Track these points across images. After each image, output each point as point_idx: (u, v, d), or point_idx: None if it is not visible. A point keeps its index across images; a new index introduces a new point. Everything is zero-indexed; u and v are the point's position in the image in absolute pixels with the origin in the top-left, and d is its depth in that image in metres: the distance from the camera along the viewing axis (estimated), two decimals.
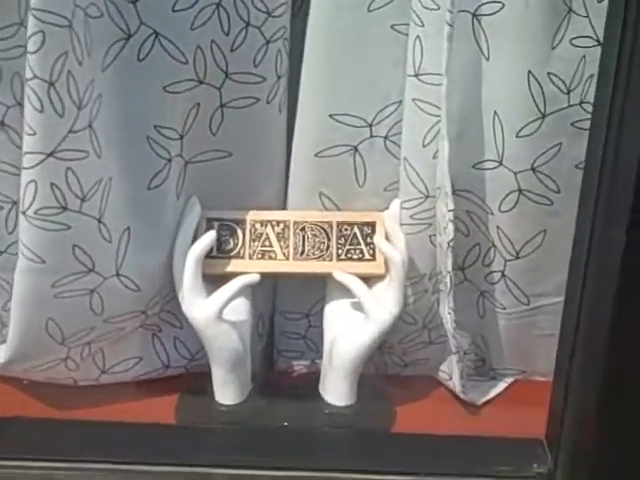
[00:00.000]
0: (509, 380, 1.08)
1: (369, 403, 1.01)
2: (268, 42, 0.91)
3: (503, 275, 0.99)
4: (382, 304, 0.95)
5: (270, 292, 1.05)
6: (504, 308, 1.01)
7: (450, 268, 0.93)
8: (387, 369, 1.08)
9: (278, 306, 1.06)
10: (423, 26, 0.87)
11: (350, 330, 0.96)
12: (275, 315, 1.07)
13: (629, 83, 0.70)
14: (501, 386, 1.07)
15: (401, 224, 0.98)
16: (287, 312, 1.06)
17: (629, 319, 0.74)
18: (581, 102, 0.88)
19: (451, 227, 0.91)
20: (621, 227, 0.70)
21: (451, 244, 0.92)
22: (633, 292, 0.73)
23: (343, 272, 0.97)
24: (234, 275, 0.96)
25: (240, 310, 0.97)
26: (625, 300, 0.73)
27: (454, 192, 0.94)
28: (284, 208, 1.00)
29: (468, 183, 0.95)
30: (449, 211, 0.91)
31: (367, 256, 0.97)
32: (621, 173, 0.71)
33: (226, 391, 0.98)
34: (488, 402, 1.05)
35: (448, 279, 0.94)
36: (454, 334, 0.96)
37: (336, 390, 0.99)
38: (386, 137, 0.96)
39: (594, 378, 0.77)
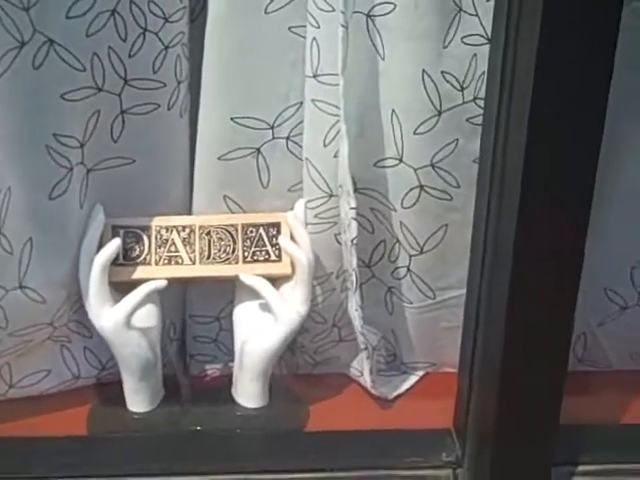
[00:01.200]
0: (420, 373, 1.09)
1: (281, 403, 1.02)
2: (167, 48, 0.90)
3: (409, 270, 1.01)
4: (290, 304, 0.96)
5: (180, 297, 1.05)
6: (411, 303, 1.03)
7: (355, 266, 0.94)
8: (299, 369, 1.09)
9: (189, 310, 1.06)
10: (319, 27, 0.88)
11: (259, 332, 0.97)
12: (186, 319, 1.07)
13: (514, 80, 0.72)
14: (412, 379, 1.09)
15: (306, 224, 0.99)
16: (198, 316, 1.06)
17: (523, 309, 0.76)
18: (475, 98, 0.90)
19: (354, 225, 0.92)
20: (512, 220, 0.72)
21: (354, 242, 0.93)
22: (525, 282, 0.75)
23: (249, 274, 0.97)
24: (141, 282, 0.96)
25: (149, 316, 0.96)
26: (518, 291, 0.75)
27: (357, 190, 0.96)
28: (190, 213, 1.00)
29: (370, 181, 0.96)
30: (351, 209, 0.92)
31: (273, 257, 0.98)
32: (510, 167, 0.73)
33: (137, 399, 0.98)
34: (400, 396, 1.07)
35: (354, 277, 0.95)
36: (362, 331, 0.98)
37: (248, 392, 0.99)
38: (288, 138, 0.96)
39: (494, 367, 0.79)
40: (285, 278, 0.99)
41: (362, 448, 0.95)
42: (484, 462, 0.86)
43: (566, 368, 0.80)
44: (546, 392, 0.79)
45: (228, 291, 1.02)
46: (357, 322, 0.98)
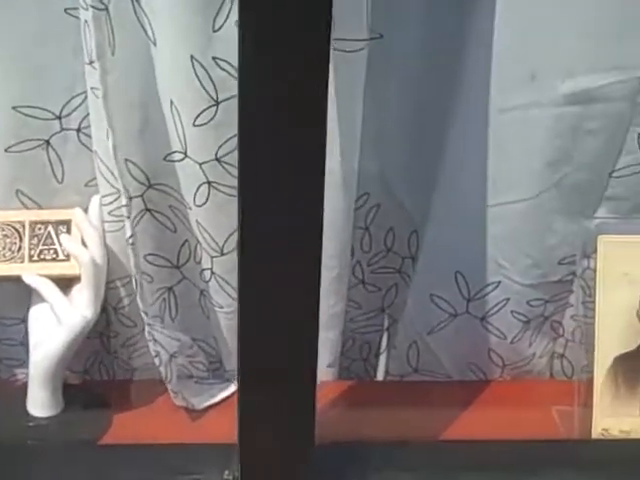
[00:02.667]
0: None
1: (79, 412, 0.96)
2: None
3: (212, 273, 0.94)
4: (76, 307, 0.90)
5: None
6: (222, 307, 0.97)
7: (133, 266, 0.88)
8: (116, 375, 1.03)
9: None
10: (87, 9, 0.81)
11: (45, 336, 0.91)
12: None
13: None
14: (232, 388, 1.02)
15: (103, 221, 0.93)
16: (3, 318, 1.00)
17: (254, 316, 0.70)
18: None
19: (128, 224, 0.86)
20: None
21: (130, 242, 0.87)
22: (252, 279, 0.69)
23: (34, 274, 0.91)
24: None
25: None
26: (247, 297, 0.69)
27: (151, 186, 0.90)
28: None
29: (163, 176, 0.90)
30: (124, 207, 0.86)
31: (61, 256, 0.92)
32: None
33: None
34: (215, 405, 1.00)
35: (134, 279, 0.89)
36: (149, 337, 0.92)
37: (37, 400, 0.93)
38: (79, 130, 0.90)
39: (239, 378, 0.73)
40: (78, 279, 0.92)
41: (147, 462, 0.88)
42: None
43: (314, 383, 0.73)
44: (288, 408, 0.72)
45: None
46: (146, 327, 0.91)
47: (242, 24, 0.60)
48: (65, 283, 0.92)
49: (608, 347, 0.91)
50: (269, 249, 0.69)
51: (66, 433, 0.94)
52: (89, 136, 0.91)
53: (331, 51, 0.79)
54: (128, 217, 0.86)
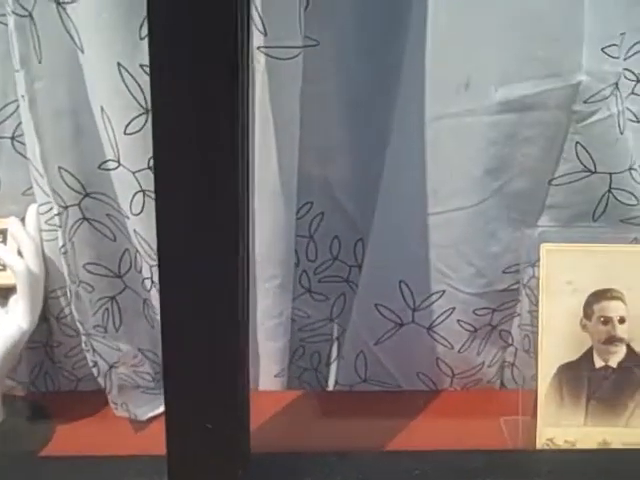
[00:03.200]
0: None
1: (19, 424, 0.95)
2: None
3: (153, 282, 0.93)
4: (13, 317, 0.89)
5: None
6: None
7: (67, 277, 0.87)
8: (61, 385, 1.02)
9: None
10: (10, 16, 0.80)
11: None
12: None
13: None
14: None
15: (41, 230, 0.92)
16: None
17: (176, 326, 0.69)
18: None
19: (60, 234, 0.85)
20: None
21: (62, 251, 0.86)
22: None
23: None
24: None
25: None
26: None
27: (87, 194, 0.89)
28: None
29: (99, 185, 0.89)
30: (56, 216, 0.85)
31: None
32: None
33: None
34: (161, 416, 0.99)
35: (67, 288, 0.88)
36: (87, 348, 0.90)
37: None
38: (13, 138, 0.89)
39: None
40: (15, 289, 0.91)
41: (85, 474, 0.87)
42: None
43: (246, 392, 0.72)
44: (219, 419, 0.71)
45: None
46: (82, 337, 0.90)
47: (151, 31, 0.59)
48: (2, 293, 0.91)
49: (552, 356, 0.90)
50: (189, 256, 0.68)
51: (5, 445, 0.92)
52: (24, 144, 0.89)
53: (265, 58, 0.79)
54: (60, 226, 0.85)
